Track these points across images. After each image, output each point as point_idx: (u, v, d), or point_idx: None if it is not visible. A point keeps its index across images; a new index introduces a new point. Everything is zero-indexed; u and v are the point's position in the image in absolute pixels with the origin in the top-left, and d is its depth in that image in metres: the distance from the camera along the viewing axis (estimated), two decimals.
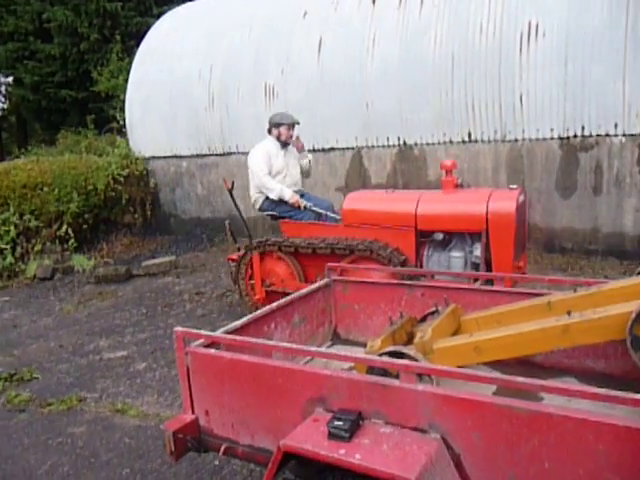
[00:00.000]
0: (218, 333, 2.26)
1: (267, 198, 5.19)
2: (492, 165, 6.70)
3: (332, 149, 8.01)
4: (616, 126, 5.87)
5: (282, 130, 5.25)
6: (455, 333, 2.53)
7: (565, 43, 5.97)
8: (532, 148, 6.41)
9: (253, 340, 2.10)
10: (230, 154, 9.08)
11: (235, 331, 2.45)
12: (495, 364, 2.39)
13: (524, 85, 6.25)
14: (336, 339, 3.32)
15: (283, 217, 5.14)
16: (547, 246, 6.48)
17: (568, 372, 2.64)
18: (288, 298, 2.94)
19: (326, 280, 3.24)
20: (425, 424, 1.64)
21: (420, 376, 1.90)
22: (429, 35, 6.88)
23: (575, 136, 6.12)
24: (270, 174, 5.19)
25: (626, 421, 1.37)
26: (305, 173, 5.73)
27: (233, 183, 5.67)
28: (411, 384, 1.64)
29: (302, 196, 5.26)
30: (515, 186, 4.18)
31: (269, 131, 5.35)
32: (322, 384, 1.81)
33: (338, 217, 4.92)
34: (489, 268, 3.95)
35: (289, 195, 5.10)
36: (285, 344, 2.15)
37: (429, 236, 4.22)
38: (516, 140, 6.48)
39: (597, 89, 5.84)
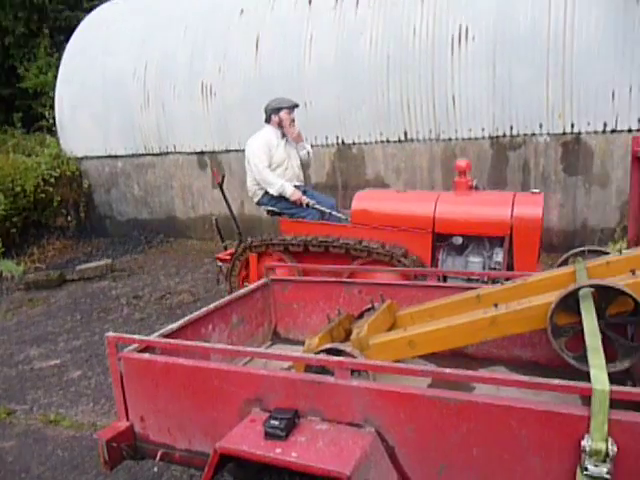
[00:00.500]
0: (152, 337, 2.21)
1: (267, 192, 4.82)
2: (428, 164, 6.88)
3: None
4: (541, 126, 6.17)
5: (283, 115, 4.85)
6: (391, 328, 2.59)
7: (493, 47, 6.21)
8: (465, 147, 6.64)
9: (187, 343, 2.07)
10: (167, 154, 8.90)
11: (171, 334, 2.41)
12: (430, 356, 2.46)
13: (456, 86, 6.45)
14: (276, 338, 3.33)
15: (283, 214, 4.79)
16: None
17: (498, 361, 2.76)
18: (226, 299, 2.92)
19: (265, 280, 3.24)
20: (360, 419, 1.67)
21: (359, 372, 1.94)
22: (365, 36, 6.98)
23: (504, 135, 6.39)
24: (270, 167, 4.78)
25: (545, 406, 1.45)
26: (305, 165, 5.37)
27: (224, 177, 5.45)
28: (345, 380, 1.67)
29: (304, 193, 4.85)
30: (537, 190, 4.05)
31: (267, 120, 4.96)
32: (258, 384, 1.81)
33: (343, 216, 4.61)
34: None
35: (291, 191, 4.69)
36: (220, 345, 2.14)
37: (445, 240, 3.99)
38: (450, 139, 6.69)
39: (523, 91, 6.12)
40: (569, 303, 1.88)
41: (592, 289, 1.85)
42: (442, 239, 3.98)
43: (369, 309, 2.66)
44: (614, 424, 1.37)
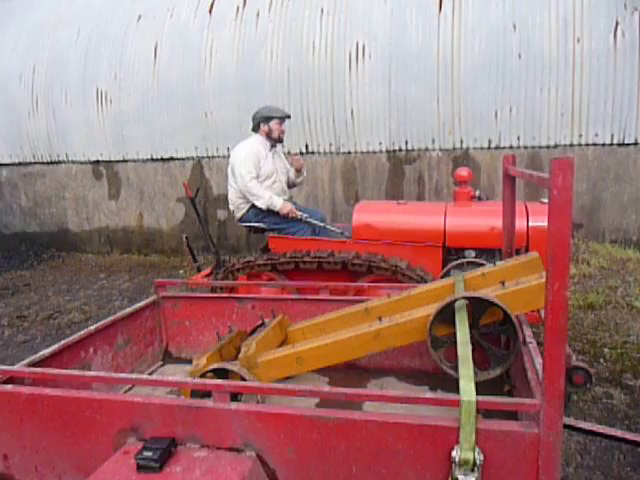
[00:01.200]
0: (17, 366, 2.03)
1: (252, 207, 4.44)
2: (329, 176, 7.00)
3: (171, 159, 7.77)
4: (433, 141, 6.49)
5: (273, 125, 4.50)
6: (283, 344, 2.56)
7: (388, 64, 6.46)
8: (364, 160, 6.82)
9: (53, 371, 1.91)
10: (59, 163, 8.37)
11: (44, 361, 2.22)
12: (324, 369, 2.46)
13: (354, 101, 6.63)
14: (168, 358, 3.19)
15: (272, 230, 4.41)
16: None
17: (389, 372, 2.82)
18: (110, 319, 2.75)
19: (154, 297, 3.10)
20: (240, 443, 1.62)
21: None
22: (265, 49, 7.00)
23: (400, 150, 6.64)
24: (257, 178, 4.41)
25: (417, 419, 1.49)
26: (290, 183, 4.93)
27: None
28: (224, 404, 1.62)
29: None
30: (546, 200, 3.91)
31: (255, 128, 4.60)
32: (134, 412, 1.71)
33: (338, 230, 4.31)
34: None
35: (280, 204, 4.34)
36: (86, 372, 1.99)
37: (456, 253, 3.74)
38: (349, 152, 6.85)
39: (417, 108, 6.41)
40: (446, 315, 1.95)
41: (466, 301, 1.93)
42: (453, 253, 3.74)
43: (260, 325, 2.62)
44: (481, 433, 1.42)
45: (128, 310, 2.92)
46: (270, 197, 4.35)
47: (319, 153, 6.97)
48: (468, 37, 6.21)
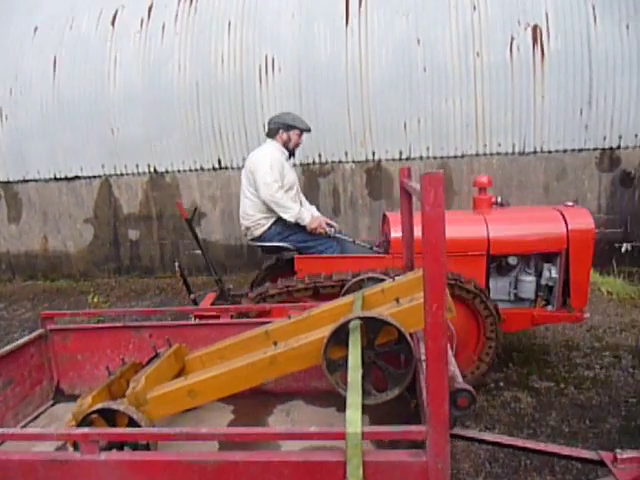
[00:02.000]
0: None
1: (275, 223, 3.96)
2: None
3: (77, 178, 7.33)
4: (346, 154, 6.52)
5: (292, 135, 4.09)
6: (180, 374, 2.40)
7: (298, 77, 6.43)
8: None
9: None
10: None
11: None
12: (231, 395, 2.32)
13: (266, 115, 6.51)
14: (60, 396, 2.92)
15: (297, 250, 3.91)
16: None
17: (297, 394, 2.72)
18: None
19: (40, 331, 2.83)
20: None
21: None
22: (172, 62, 6.78)
23: (314, 163, 6.62)
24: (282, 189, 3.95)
25: (302, 456, 1.39)
26: None
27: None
28: (92, 455, 1.45)
29: None
30: (571, 203, 3.86)
31: (272, 134, 4.12)
32: None
33: (367, 245, 3.97)
34: (566, 289, 3.63)
35: (309, 218, 3.88)
36: None
37: (497, 261, 3.68)
38: None
39: (328, 120, 6.41)
40: (341, 336, 1.88)
41: (360, 321, 1.87)
42: (494, 261, 3.67)
43: (154, 357, 2.44)
44: (369, 466, 1.34)
45: (8, 348, 2.65)
46: (300, 210, 3.90)
47: (232, 168, 6.81)
48: (375, 50, 6.30)
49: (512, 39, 6.18)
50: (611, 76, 6.13)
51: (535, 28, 6.17)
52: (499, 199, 4.01)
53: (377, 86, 6.30)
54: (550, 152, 6.29)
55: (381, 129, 6.36)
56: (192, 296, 4.05)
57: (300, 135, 4.13)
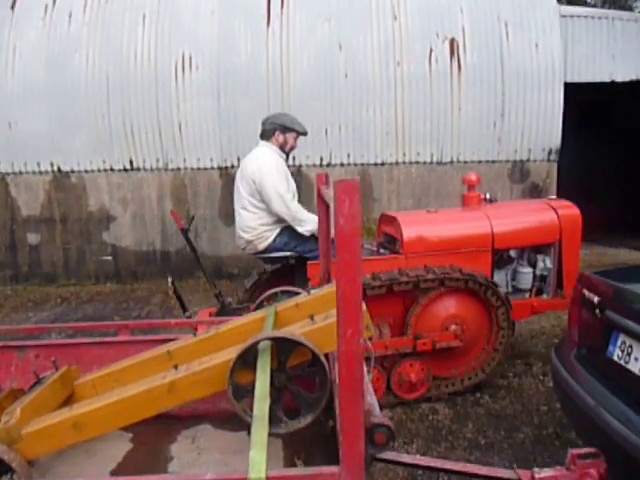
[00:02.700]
0: None
1: (280, 234, 3.68)
2: (157, 194, 6.49)
3: None
4: None
5: (289, 138, 3.81)
6: (68, 402, 2.11)
7: (217, 77, 6.19)
8: (195, 177, 6.44)
9: None
10: None
11: None
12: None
13: (182, 115, 6.24)
14: None
15: (307, 258, 3.60)
16: (215, 273, 6.55)
17: (204, 418, 2.49)
18: None
19: None
20: None
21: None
22: (80, 53, 6.31)
23: (232, 166, 6.38)
24: None
25: None
26: None
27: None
28: None
29: None
30: (554, 197, 3.98)
31: (267, 135, 3.79)
32: None
33: (373, 248, 3.86)
34: (559, 279, 3.76)
35: None
36: None
37: (499, 255, 3.72)
38: (179, 169, 6.42)
39: (248, 123, 6.18)
40: (249, 359, 1.69)
41: (270, 341, 1.69)
42: (497, 254, 3.72)
43: (36, 383, 2.13)
44: None
45: None
46: (314, 219, 3.50)
47: (145, 169, 6.43)
48: (296, 53, 6.19)
49: (431, 51, 6.28)
50: (522, 92, 6.38)
51: (452, 41, 6.31)
52: (487, 196, 4.09)
53: (298, 90, 6.18)
54: (466, 162, 6.44)
55: None
56: (187, 314, 3.59)
57: (296, 138, 3.89)
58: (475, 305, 3.49)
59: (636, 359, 1.98)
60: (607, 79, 6.69)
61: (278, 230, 3.68)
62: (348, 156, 6.31)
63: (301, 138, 3.73)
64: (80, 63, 6.31)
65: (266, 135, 3.81)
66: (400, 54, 6.26)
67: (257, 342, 1.69)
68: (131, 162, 6.42)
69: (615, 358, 2.10)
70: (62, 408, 2.02)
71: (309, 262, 3.46)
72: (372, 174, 6.40)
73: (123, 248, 6.63)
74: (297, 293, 2.31)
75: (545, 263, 3.78)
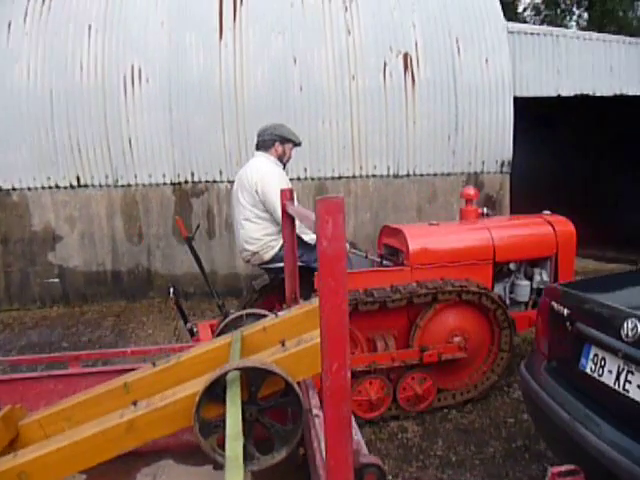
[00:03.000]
0: None
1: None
2: (106, 211, 6.20)
3: None
4: (221, 173, 6.18)
5: (287, 148, 3.76)
6: (13, 447, 1.90)
7: (168, 91, 6.01)
8: (146, 194, 6.21)
9: None
10: None
11: None
12: None
13: (132, 129, 6.01)
14: None
15: (313, 268, 3.48)
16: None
17: (166, 452, 2.32)
18: None
19: None
20: None
21: None
22: (20, 65, 6.00)
23: (186, 182, 6.19)
24: None
25: None
26: None
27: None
28: None
29: None
30: (549, 212, 4.03)
31: (268, 146, 3.71)
32: None
33: (377, 259, 3.85)
34: None
35: None
36: None
37: (500, 268, 3.79)
38: (129, 185, 6.17)
39: (201, 137, 6.05)
40: (216, 392, 1.56)
41: (239, 372, 1.57)
42: (497, 267, 3.79)
43: None
44: None
45: None
46: None
47: (94, 186, 6.15)
48: (250, 67, 6.09)
49: (385, 65, 6.31)
50: (474, 106, 6.50)
51: (406, 56, 6.37)
52: (485, 210, 4.19)
53: (253, 103, 6.07)
54: (422, 175, 6.48)
55: None
56: (188, 325, 3.53)
57: (292, 149, 3.88)
58: (478, 322, 3.54)
59: (610, 372, 1.96)
60: (554, 93, 6.90)
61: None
62: (305, 170, 6.23)
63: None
64: (21, 75, 6.00)
65: (265, 146, 3.78)
66: (355, 68, 6.26)
67: (225, 373, 1.56)
68: (78, 179, 6.12)
69: (588, 371, 2.08)
70: (4, 455, 1.82)
71: (317, 272, 3.29)
72: (329, 188, 6.35)
73: (71, 269, 6.30)
74: (264, 315, 2.18)
75: (542, 276, 3.88)
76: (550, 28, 7.81)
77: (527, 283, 3.87)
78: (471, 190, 4.15)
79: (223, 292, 6.34)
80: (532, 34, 6.84)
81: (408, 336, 3.41)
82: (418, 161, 6.44)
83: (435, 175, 6.51)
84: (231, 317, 2.24)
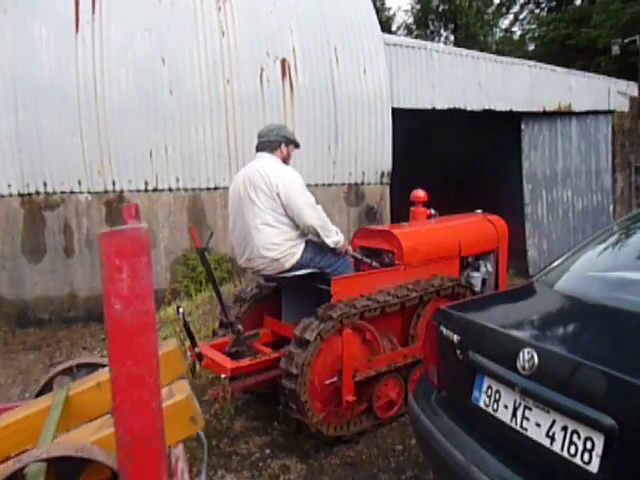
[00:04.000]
0: None
1: (305, 250, 3.39)
2: None
3: None
4: (80, 183, 5.48)
5: (290, 150, 3.55)
6: None
7: (13, 89, 5.21)
8: None
9: None
10: None
11: None
12: None
13: None
14: None
15: (327, 274, 3.44)
16: (20, 321, 5.47)
17: None
18: None
19: None
20: None
21: None
22: None
23: (38, 193, 5.41)
24: None
25: None
26: None
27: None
28: None
29: None
30: (480, 211, 4.43)
31: (274, 147, 3.43)
32: None
33: (365, 259, 3.78)
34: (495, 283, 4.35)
35: (343, 238, 3.51)
36: None
37: (463, 261, 4.14)
38: None
39: (54, 143, 5.32)
40: None
41: (45, 463, 1.13)
42: (462, 261, 4.13)
43: None
44: None
45: None
46: (338, 229, 3.51)
47: None
48: (112, 65, 5.47)
49: (262, 70, 6.01)
50: (353, 116, 6.41)
51: (284, 61, 6.12)
52: (432, 211, 4.51)
53: (116, 106, 5.46)
54: (308, 185, 6.23)
55: (122, 156, 5.51)
56: (197, 349, 3.15)
57: (293, 151, 3.67)
58: None
59: (505, 407, 1.77)
60: (429, 106, 7.03)
61: (303, 245, 3.47)
62: (177, 180, 5.72)
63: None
64: None
65: (271, 147, 3.53)
66: (230, 72, 5.88)
67: (22, 467, 1.11)
68: None
69: (482, 405, 1.88)
70: None
71: (333, 278, 3.38)
72: (205, 199, 5.89)
73: None
74: (102, 366, 1.73)
75: (487, 267, 4.30)
76: (425, 42, 8.01)
77: (479, 274, 4.26)
78: (420, 192, 4.48)
79: (84, 316, 5.65)
80: (407, 47, 6.92)
81: (404, 332, 3.55)
82: (298, 170, 6.17)
83: (316, 186, 6.31)
84: (59, 369, 1.75)
